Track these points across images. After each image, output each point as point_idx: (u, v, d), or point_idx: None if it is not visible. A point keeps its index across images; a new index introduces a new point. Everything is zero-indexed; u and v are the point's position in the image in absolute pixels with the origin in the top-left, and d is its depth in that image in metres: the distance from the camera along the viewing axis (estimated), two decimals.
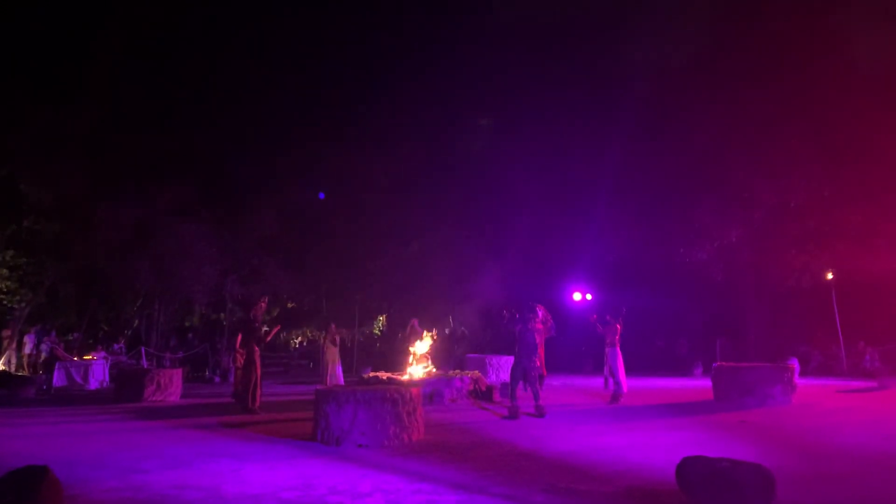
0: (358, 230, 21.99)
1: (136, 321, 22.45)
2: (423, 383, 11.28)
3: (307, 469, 5.87)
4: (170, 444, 7.25)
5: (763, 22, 18.61)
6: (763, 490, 4.35)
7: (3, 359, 17.78)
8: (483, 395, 12.00)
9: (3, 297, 18.50)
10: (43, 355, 18.04)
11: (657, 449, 6.76)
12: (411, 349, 13.42)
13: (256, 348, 10.58)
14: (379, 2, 25.25)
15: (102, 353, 17.86)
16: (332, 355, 15.00)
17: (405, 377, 12.27)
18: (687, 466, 4.66)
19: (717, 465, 4.52)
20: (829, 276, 18.89)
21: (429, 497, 4.85)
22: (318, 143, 22.03)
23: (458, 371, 13.37)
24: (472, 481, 5.32)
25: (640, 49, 19.46)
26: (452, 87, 23.46)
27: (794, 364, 12.28)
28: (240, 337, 10.73)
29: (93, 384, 15.69)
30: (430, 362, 13.23)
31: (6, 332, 18.27)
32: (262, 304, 11.41)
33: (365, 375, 13.22)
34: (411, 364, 13.11)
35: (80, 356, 17.44)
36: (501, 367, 16.90)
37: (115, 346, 19.58)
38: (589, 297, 22.78)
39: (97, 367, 16.19)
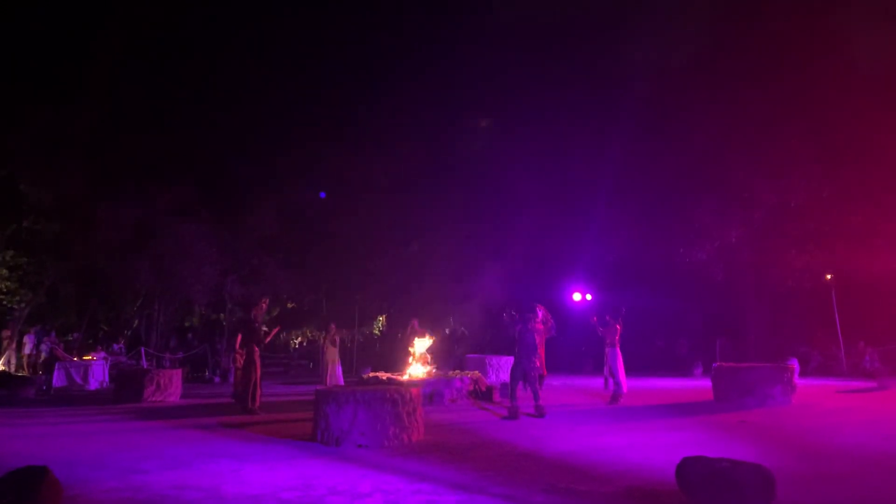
0: (358, 230, 21.97)
1: (136, 321, 22.45)
2: (422, 383, 11.25)
3: (307, 469, 5.86)
4: (170, 445, 7.25)
5: (763, 22, 18.63)
6: (763, 490, 4.35)
7: (2, 359, 17.78)
8: (483, 395, 12.00)
9: (2, 297, 18.49)
10: (43, 355, 18.03)
11: (657, 449, 6.76)
12: (411, 349, 13.41)
13: (256, 349, 10.58)
14: (379, 2, 25.30)
15: (102, 354, 17.85)
16: (332, 355, 15.03)
17: (405, 377, 12.26)
18: (687, 466, 4.66)
19: (716, 465, 4.52)
20: (829, 276, 18.90)
21: (429, 497, 4.85)
22: (318, 143, 22.05)
23: (458, 371, 13.36)
24: (472, 481, 5.32)
25: (640, 49, 19.48)
26: (452, 88, 23.52)
27: (794, 364, 12.26)
28: (240, 337, 10.74)
29: (92, 384, 15.69)
30: (430, 362, 13.22)
31: (6, 333, 18.28)
32: (263, 305, 11.43)
33: (365, 376, 13.22)
34: (411, 364, 13.12)
35: (80, 356, 17.43)
36: (501, 368, 16.89)
37: (115, 347, 19.56)
38: (589, 297, 22.75)
39: (97, 367, 16.19)
